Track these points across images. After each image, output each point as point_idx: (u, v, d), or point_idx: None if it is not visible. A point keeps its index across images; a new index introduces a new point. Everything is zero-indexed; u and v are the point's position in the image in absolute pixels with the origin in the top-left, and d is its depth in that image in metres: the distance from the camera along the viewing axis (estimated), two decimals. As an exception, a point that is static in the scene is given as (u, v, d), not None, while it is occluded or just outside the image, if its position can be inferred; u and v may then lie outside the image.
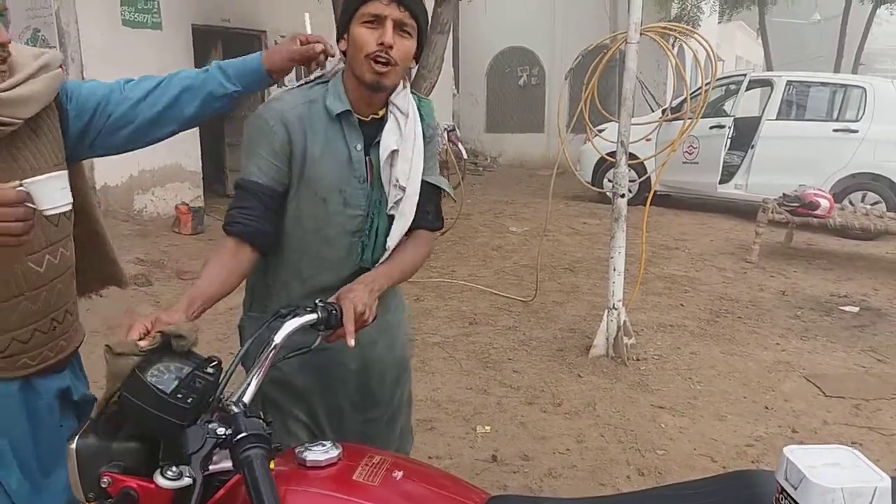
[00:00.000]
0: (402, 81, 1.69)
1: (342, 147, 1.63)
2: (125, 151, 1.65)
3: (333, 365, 1.75)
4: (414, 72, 8.08)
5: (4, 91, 1.37)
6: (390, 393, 1.87)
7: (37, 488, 1.54)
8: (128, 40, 6.98)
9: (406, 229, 1.70)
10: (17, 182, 1.25)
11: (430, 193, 1.75)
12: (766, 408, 3.75)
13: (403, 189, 1.66)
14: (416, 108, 1.70)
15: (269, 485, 1.00)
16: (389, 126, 1.66)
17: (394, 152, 1.64)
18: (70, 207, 1.31)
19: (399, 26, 1.56)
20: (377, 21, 1.54)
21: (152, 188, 7.42)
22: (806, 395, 3.91)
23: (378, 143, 1.65)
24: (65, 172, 1.32)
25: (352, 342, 1.39)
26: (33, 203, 1.25)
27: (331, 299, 1.45)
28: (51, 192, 1.26)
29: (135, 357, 1.15)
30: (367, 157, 1.67)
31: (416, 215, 1.71)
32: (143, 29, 7.20)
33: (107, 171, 6.75)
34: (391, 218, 1.68)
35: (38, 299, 1.46)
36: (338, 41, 1.64)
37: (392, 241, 1.69)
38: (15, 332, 1.43)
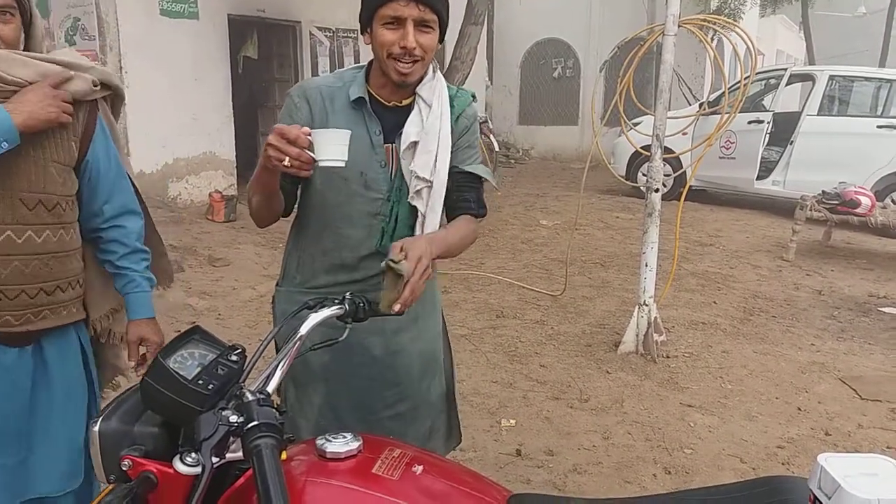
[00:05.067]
0: (430, 71, 1.68)
1: (363, 131, 1.65)
2: None
3: (356, 347, 1.73)
4: (447, 62, 8.05)
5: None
6: (418, 387, 1.85)
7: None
8: (165, 30, 7.05)
9: (437, 225, 1.69)
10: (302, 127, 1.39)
11: (470, 182, 1.75)
12: (799, 409, 3.66)
13: (427, 181, 1.66)
14: (446, 99, 1.69)
15: (276, 475, 0.97)
16: (412, 117, 1.66)
17: (414, 143, 1.65)
18: (343, 164, 1.43)
19: (420, 24, 1.55)
20: (397, 22, 1.54)
21: (186, 176, 7.50)
22: (841, 397, 3.82)
23: (402, 131, 1.66)
24: (348, 132, 1.44)
25: (398, 307, 1.37)
26: (312, 151, 1.39)
27: (396, 246, 1.40)
28: (328, 143, 1.40)
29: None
30: (393, 144, 1.67)
31: (457, 203, 1.74)
32: (180, 18, 7.27)
33: (142, 158, 6.84)
34: (414, 208, 1.68)
35: (30, 265, 1.62)
36: (362, 34, 1.65)
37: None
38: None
